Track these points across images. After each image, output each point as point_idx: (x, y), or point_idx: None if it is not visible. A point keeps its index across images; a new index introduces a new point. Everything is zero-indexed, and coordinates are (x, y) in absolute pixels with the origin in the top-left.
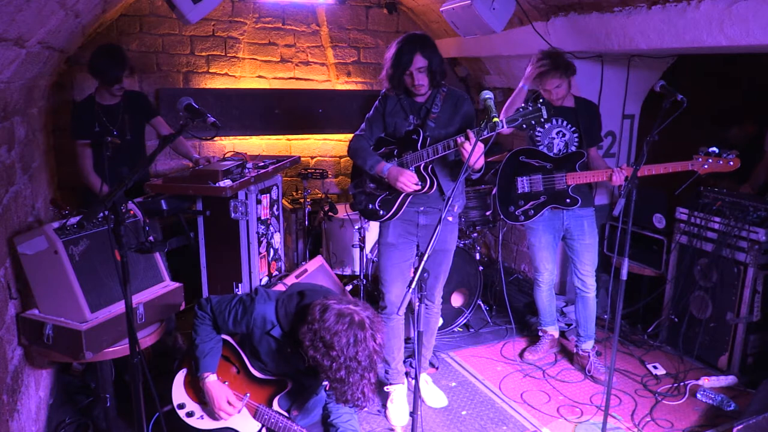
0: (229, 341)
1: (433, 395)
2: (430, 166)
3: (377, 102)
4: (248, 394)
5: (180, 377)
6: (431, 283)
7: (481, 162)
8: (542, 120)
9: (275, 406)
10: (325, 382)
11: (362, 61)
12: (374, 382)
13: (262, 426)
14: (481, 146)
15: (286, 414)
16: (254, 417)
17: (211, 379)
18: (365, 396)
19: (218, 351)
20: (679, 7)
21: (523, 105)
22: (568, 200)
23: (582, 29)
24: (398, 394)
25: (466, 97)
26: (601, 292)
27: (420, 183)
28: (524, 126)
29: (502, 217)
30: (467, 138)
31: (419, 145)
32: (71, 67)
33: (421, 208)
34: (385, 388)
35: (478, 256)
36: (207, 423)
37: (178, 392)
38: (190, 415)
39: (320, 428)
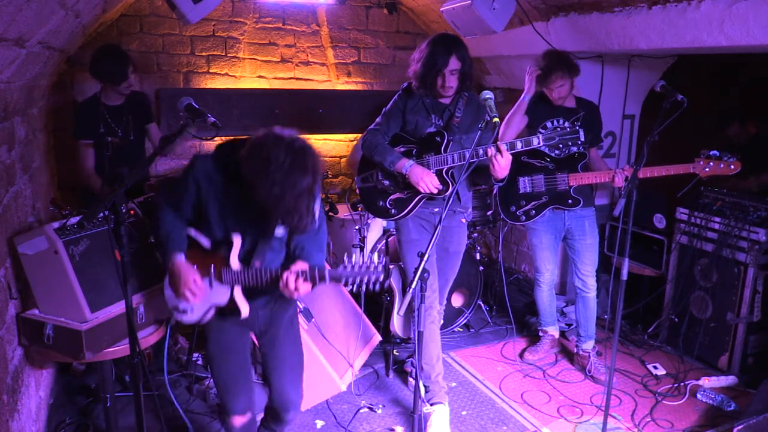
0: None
1: None
2: (451, 170)
3: (397, 97)
4: (213, 267)
5: (166, 281)
6: (441, 285)
7: (506, 173)
8: (579, 143)
9: (233, 263)
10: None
11: (362, 61)
12: (317, 204)
13: (232, 287)
14: (510, 158)
15: (244, 266)
16: (223, 284)
17: (181, 259)
18: (309, 211)
19: (183, 231)
20: (680, 7)
21: (561, 126)
22: (570, 201)
23: (582, 29)
24: (438, 418)
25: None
26: (602, 292)
27: (441, 186)
28: (560, 145)
29: (503, 216)
30: (498, 151)
31: (443, 148)
32: (71, 67)
33: (436, 209)
34: (423, 409)
35: (478, 256)
36: (196, 313)
37: (169, 294)
38: (184, 312)
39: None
